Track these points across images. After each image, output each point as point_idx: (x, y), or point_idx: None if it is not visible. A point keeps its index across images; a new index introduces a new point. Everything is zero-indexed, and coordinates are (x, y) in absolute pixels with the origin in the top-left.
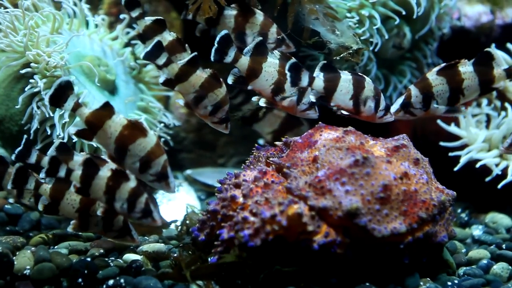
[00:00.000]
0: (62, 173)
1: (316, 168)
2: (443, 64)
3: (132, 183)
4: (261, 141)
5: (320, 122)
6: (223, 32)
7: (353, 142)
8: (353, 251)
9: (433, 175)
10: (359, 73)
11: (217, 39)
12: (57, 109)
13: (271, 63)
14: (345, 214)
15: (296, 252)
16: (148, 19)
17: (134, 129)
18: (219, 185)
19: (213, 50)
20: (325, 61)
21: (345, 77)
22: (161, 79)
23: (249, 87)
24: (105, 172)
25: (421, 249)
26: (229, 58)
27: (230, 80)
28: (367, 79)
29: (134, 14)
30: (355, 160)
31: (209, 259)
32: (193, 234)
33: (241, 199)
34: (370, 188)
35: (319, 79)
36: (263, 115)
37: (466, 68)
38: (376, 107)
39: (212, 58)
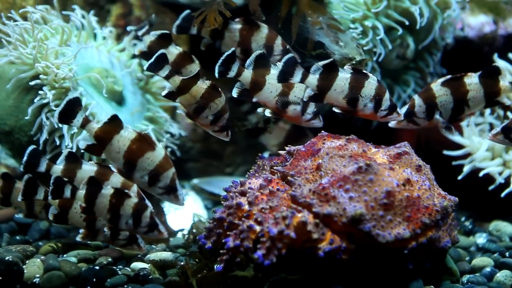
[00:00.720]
0: (67, 193)
1: (319, 175)
2: (448, 76)
3: (135, 199)
4: (266, 154)
5: (322, 131)
6: (230, 50)
7: (356, 150)
8: (358, 257)
9: (435, 182)
10: (364, 71)
11: (222, 58)
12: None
13: (275, 75)
14: (350, 220)
15: (302, 259)
16: (153, 34)
17: (143, 143)
18: (225, 193)
19: (216, 68)
20: (331, 60)
21: (343, 75)
22: (164, 93)
23: (254, 99)
24: (108, 190)
25: (425, 254)
26: (232, 73)
27: (234, 94)
28: (371, 77)
29: (140, 32)
30: (359, 167)
31: (215, 266)
32: (200, 242)
33: (246, 207)
34: (373, 194)
35: (314, 76)
36: (269, 128)
37: (471, 80)
38: (377, 106)
39: (216, 75)
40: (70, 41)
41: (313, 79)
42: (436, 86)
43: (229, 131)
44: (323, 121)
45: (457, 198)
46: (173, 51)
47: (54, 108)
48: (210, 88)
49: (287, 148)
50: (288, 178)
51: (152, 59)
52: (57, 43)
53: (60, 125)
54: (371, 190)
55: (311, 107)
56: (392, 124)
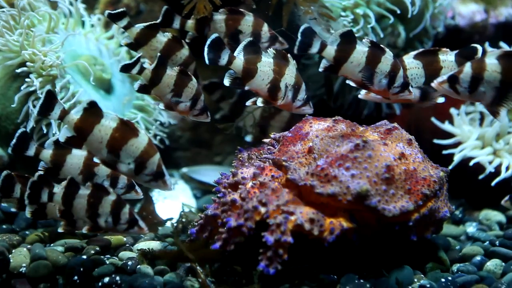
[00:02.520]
0: (44, 197)
1: (313, 158)
2: (422, 49)
3: (112, 196)
4: (248, 138)
5: (307, 115)
6: (214, 35)
7: (345, 129)
8: (359, 236)
9: (425, 155)
10: (381, 46)
11: (208, 43)
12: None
13: (266, 63)
14: (355, 197)
15: (307, 249)
16: (139, 26)
17: (125, 130)
18: (214, 183)
19: (205, 55)
20: (349, 29)
21: (361, 48)
22: (136, 86)
23: (246, 88)
24: (85, 190)
25: (426, 225)
26: (223, 61)
27: (226, 82)
28: (388, 53)
29: (122, 24)
30: (356, 144)
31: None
32: (191, 237)
33: (240, 203)
34: (374, 170)
35: (331, 47)
36: (243, 110)
37: (446, 56)
38: (390, 83)
39: (207, 62)
40: (58, 28)
41: (331, 50)
42: (408, 58)
43: (208, 112)
44: (315, 110)
45: (448, 169)
46: (162, 39)
47: (40, 96)
48: (180, 73)
49: (272, 135)
50: (283, 163)
51: (128, 62)
52: (44, 30)
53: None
54: (371, 166)
55: (302, 94)
56: (361, 95)
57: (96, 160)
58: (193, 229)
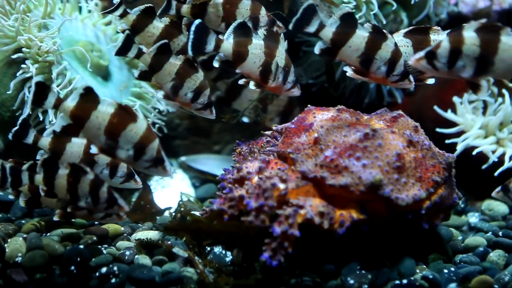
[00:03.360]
0: (25, 179)
1: (320, 149)
2: (413, 27)
3: (90, 175)
4: (245, 119)
5: (309, 105)
6: (196, 21)
7: (349, 119)
8: (370, 226)
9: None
10: (383, 31)
11: (192, 30)
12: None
13: (257, 45)
14: (368, 187)
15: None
16: (135, 11)
17: (124, 115)
18: (213, 171)
19: (189, 44)
20: (350, 11)
21: (360, 33)
22: (136, 73)
23: (237, 71)
24: (64, 169)
25: (436, 213)
26: (210, 47)
27: (216, 64)
28: (389, 39)
29: (118, 13)
30: (365, 133)
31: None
32: None
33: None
34: (385, 159)
35: (329, 29)
36: (239, 92)
37: (438, 36)
38: (389, 70)
39: (189, 52)
40: (54, 13)
41: (328, 31)
42: (398, 36)
43: (213, 108)
44: (315, 98)
45: (454, 155)
46: (159, 25)
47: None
48: (185, 63)
49: (274, 127)
50: (291, 155)
51: (119, 44)
52: (40, 15)
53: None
54: (382, 155)
55: (291, 76)
56: (348, 72)
57: (93, 150)
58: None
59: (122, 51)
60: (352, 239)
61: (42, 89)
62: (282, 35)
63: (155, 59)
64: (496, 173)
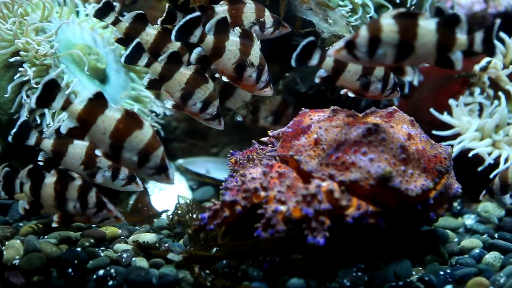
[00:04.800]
0: (17, 187)
1: (321, 149)
2: (402, 9)
3: (78, 181)
4: (239, 118)
5: (303, 108)
6: (195, 14)
7: (346, 118)
8: (385, 219)
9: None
10: None
11: (185, 20)
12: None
13: (233, 42)
14: (378, 180)
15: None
16: (127, 18)
17: (130, 121)
18: (210, 174)
19: (175, 30)
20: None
21: None
22: (145, 81)
23: (212, 67)
24: (51, 178)
25: (441, 203)
26: (194, 38)
27: (192, 60)
28: None
29: (110, 20)
30: (368, 129)
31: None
32: (202, 222)
33: (262, 193)
34: (391, 151)
35: (330, 58)
36: (232, 91)
37: (427, 23)
38: (384, 86)
39: (173, 38)
40: (52, 17)
41: (330, 60)
42: (386, 19)
43: (221, 119)
44: (311, 101)
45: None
46: (151, 32)
47: (35, 86)
48: (195, 73)
49: (270, 133)
50: (295, 157)
51: (128, 51)
52: (38, 19)
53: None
54: (387, 148)
55: (265, 75)
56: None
57: (97, 153)
58: (204, 214)
59: (130, 59)
60: (369, 233)
61: (51, 89)
62: (255, 35)
63: (165, 68)
64: (491, 175)
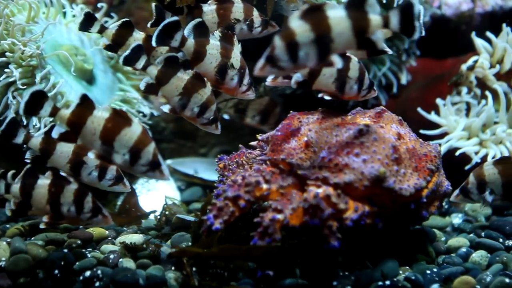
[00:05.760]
0: (1, 188)
1: (313, 152)
2: (306, 6)
3: (74, 185)
4: (226, 116)
5: (291, 111)
6: (173, 18)
7: (335, 119)
8: (381, 219)
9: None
10: (346, 54)
11: (164, 24)
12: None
13: (214, 45)
14: (373, 181)
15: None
16: (113, 27)
17: (118, 120)
18: (199, 175)
19: (155, 35)
20: None
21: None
22: (142, 86)
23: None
24: (45, 179)
25: (433, 200)
26: (175, 42)
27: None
28: (353, 58)
29: (95, 29)
30: (359, 129)
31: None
32: (208, 222)
33: (264, 185)
34: (383, 152)
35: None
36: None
37: (336, 11)
38: (360, 86)
39: (153, 43)
40: (38, 18)
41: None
42: (294, 21)
43: (218, 123)
44: (299, 101)
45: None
46: (138, 36)
47: (21, 87)
48: (193, 78)
49: (259, 137)
50: (287, 161)
51: (128, 52)
52: (24, 19)
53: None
54: (379, 148)
55: (247, 78)
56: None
57: (91, 155)
58: (209, 216)
59: (129, 61)
60: (365, 234)
61: (37, 98)
62: (235, 38)
63: (162, 72)
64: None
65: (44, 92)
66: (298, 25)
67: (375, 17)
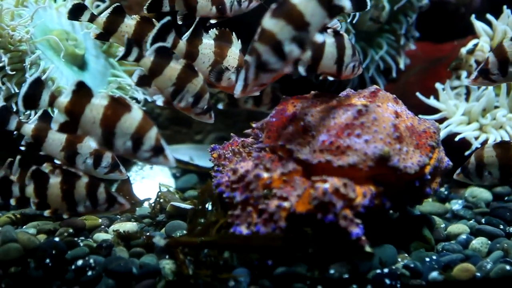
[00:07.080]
0: (16, 192)
1: (311, 136)
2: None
3: (85, 178)
4: (220, 106)
5: (284, 96)
6: (165, 19)
7: (331, 102)
8: (388, 198)
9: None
10: (340, 32)
11: (158, 27)
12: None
13: (207, 45)
14: (377, 161)
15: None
16: (104, 14)
17: (117, 107)
18: (194, 161)
19: (149, 42)
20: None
21: (330, 41)
22: (135, 78)
23: None
24: (56, 178)
25: (435, 177)
26: (167, 45)
27: None
28: (346, 36)
29: (85, 18)
30: (358, 110)
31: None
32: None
33: (265, 174)
34: (384, 131)
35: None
36: None
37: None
38: (354, 67)
39: (148, 48)
40: (27, 1)
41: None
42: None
43: (212, 112)
44: (295, 86)
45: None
46: (130, 22)
47: (9, 72)
48: (186, 67)
49: (254, 125)
50: (287, 147)
51: (125, 49)
52: (13, 3)
53: (16, 89)
54: (380, 128)
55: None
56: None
57: (93, 145)
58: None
59: (126, 56)
60: (375, 216)
61: (37, 88)
62: (234, 35)
63: (155, 63)
64: (466, 153)
65: (41, 79)
66: (268, 24)
67: None
